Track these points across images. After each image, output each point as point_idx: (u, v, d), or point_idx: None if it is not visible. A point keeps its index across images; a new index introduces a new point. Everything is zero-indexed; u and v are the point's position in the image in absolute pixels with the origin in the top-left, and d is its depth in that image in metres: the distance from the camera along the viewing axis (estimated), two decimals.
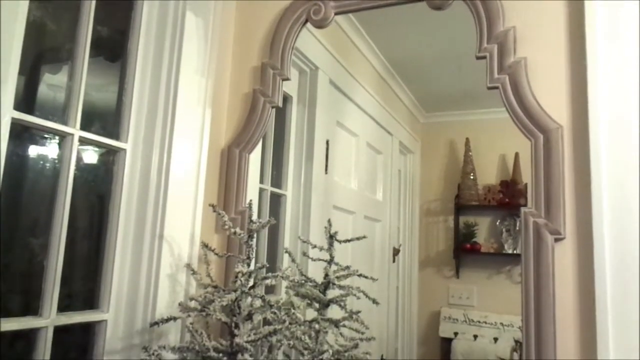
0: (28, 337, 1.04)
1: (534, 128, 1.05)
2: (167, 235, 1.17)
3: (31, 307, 1.05)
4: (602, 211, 0.97)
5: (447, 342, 1.87)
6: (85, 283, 1.19)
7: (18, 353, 1.06)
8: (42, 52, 1.17)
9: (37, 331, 1.03)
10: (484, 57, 1.12)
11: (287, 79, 1.35)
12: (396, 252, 1.96)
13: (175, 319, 1.04)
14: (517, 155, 1.86)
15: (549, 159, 1.03)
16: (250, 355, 1.01)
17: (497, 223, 1.90)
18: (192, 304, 1.10)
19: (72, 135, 1.09)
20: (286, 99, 1.55)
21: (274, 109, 1.34)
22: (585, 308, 0.98)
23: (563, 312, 1.00)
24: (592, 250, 0.97)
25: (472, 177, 1.93)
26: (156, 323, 1.03)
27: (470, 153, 1.94)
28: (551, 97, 1.07)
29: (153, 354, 1.00)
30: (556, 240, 1.01)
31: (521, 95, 1.07)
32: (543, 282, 1.00)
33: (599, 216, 0.97)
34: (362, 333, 1.29)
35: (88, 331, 1.15)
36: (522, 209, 1.04)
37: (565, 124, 1.05)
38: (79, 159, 1.15)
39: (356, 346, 1.20)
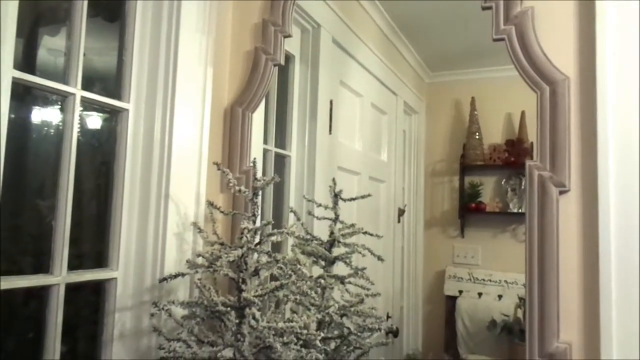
0: (41, 296, 1.06)
1: (540, 80, 1.03)
2: (172, 195, 1.18)
3: (42, 267, 1.07)
4: (608, 163, 0.96)
5: (451, 300, 1.89)
6: (93, 244, 1.21)
7: (32, 311, 1.10)
8: (39, 13, 1.16)
9: (49, 289, 1.06)
10: (490, 8, 1.09)
11: (289, 36, 1.33)
12: (401, 212, 1.97)
13: (183, 275, 1.06)
14: (523, 113, 1.84)
15: (555, 111, 1.01)
16: (258, 310, 1.03)
17: (502, 182, 1.89)
18: (200, 260, 1.11)
19: (74, 95, 1.09)
20: (288, 58, 1.53)
21: (276, 67, 1.32)
22: (589, 261, 0.99)
23: (566, 265, 1.00)
24: (596, 202, 0.97)
25: (477, 137, 1.92)
26: (165, 279, 1.05)
27: (475, 112, 1.92)
28: (558, 48, 1.04)
29: (163, 308, 1.02)
30: (561, 192, 1.01)
31: (527, 46, 1.04)
32: (547, 236, 1.00)
33: (604, 168, 0.96)
34: (368, 289, 1.31)
35: (99, 289, 1.17)
36: (527, 162, 1.04)
37: (572, 75, 1.03)
38: (83, 121, 1.15)
39: (362, 301, 1.22)
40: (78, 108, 1.10)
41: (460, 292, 1.87)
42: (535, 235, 1.01)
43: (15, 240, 1.08)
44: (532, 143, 1.72)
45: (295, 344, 1.03)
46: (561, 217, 1.01)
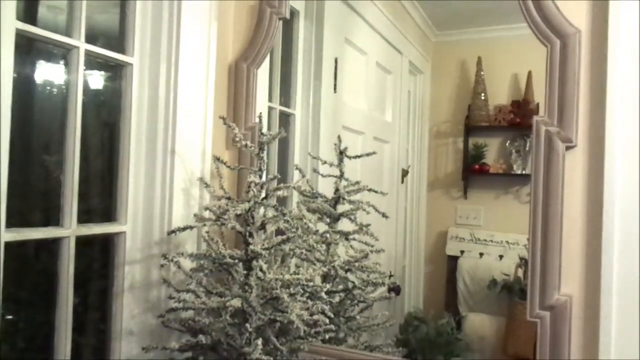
0: (52, 249, 1.08)
1: (550, 33, 1.01)
2: (178, 151, 1.19)
3: (52, 221, 1.09)
4: (616, 119, 0.96)
5: (453, 260, 1.92)
6: (102, 199, 1.22)
7: (44, 263, 1.12)
8: None
9: (60, 242, 1.08)
10: None
11: None
12: (405, 173, 1.98)
13: (191, 227, 1.08)
14: (530, 73, 1.81)
15: (565, 65, 1.00)
16: (265, 262, 1.05)
17: (507, 144, 1.89)
18: (207, 214, 1.13)
19: (78, 48, 1.08)
20: (293, 14, 1.50)
21: (281, 22, 1.30)
22: (592, 216, 1.00)
23: (570, 220, 1.01)
24: (602, 158, 0.97)
25: (483, 98, 1.90)
26: (173, 231, 1.07)
27: (482, 72, 1.89)
28: (570, 0, 1.02)
29: (172, 260, 1.04)
30: (567, 148, 1.01)
31: None
32: (552, 191, 1.01)
33: (612, 124, 0.96)
34: (372, 245, 1.33)
35: (108, 243, 1.19)
36: (535, 118, 1.03)
37: (583, 28, 1.01)
38: (88, 76, 1.14)
39: (366, 256, 1.24)
40: (82, 62, 1.09)
41: (462, 252, 1.89)
42: (540, 191, 1.01)
43: (25, 196, 1.09)
44: (538, 104, 1.70)
45: (302, 296, 1.05)
46: (567, 173, 1.01)
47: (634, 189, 0.96)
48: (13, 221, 0.97)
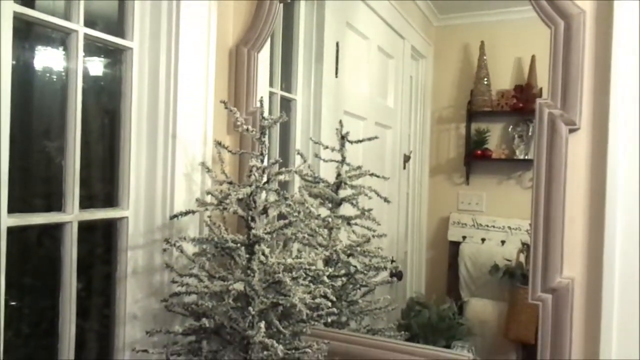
0: (55, 235, 1.08)
1: (554, 13, 1.00)
2: (180, 136, 1.18)
3: (55, 207, 1.09)
4: (620, 101, 0.95)
5: (455, 246, 1.92)
6: (104, 185, 1.22)
7: (47, 249, 1.12)
8: None
9: (62, 227, 1.08)
10: None
11: None
12: (407, 159, 1.97)
13: (193, 212, 1.08)
14: (533, 58, 1.80)
15: (569, 47, 0.99)
16: (267, 247, 1.05)
17: (510, 129, 1.88)
18: (209, 198, 1.13)
19: (77, 32, 1.07)
20: None
21: (281, 5, 1.28)
22: (595, 200, 0.99)
23: (572, 203, 1.01)
24: (606, 141, 0.96)
25: (485, 83, 1.89)
26: (176, 216, 1.07)
27: (484, 57, 1.88)
28: None
29: (174, 244, 1.04)
30: (571, 131, 1.00)
31: None
32: (555, 174, 1.00)
33: (616, 106, 0.95)
34: (374, 230, 1.33)
35: (111, 228, 1.20)
36: (538, 100, 1.02)
37: (588, 9, 1.00)
38: (87, 61, 1.13)
39: (368, 241, 1.25)
40: (82, 46, 1.08)
41: (464, 237, 1.89)
42: (543, 173, 1.01)
43: (27, 182, 1.09)
44: (541, 89, 1.69)
45: (304, 280, 1.06)
46: (570, 156, 1.00)
47: (636, 172, 0.95)
48: (15, 207, 0.97)
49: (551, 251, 0.99)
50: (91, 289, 1.21)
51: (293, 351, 1.03)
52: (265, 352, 0.99)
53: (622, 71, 0.95)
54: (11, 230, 0.95)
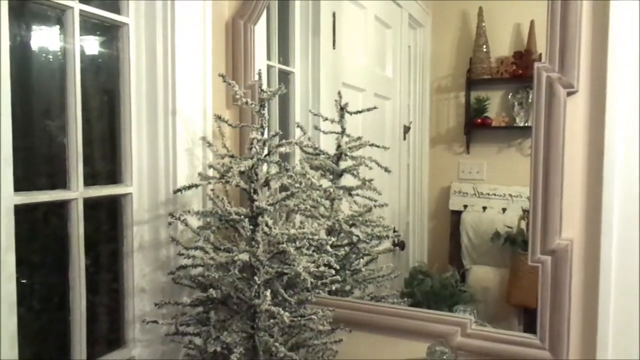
0: (61, 213, 1.10)
1: None
2: (179, 111, 1.19)
3: (59, 185, 1.10)
4: (618, 63, 0.95)
5: (456, 215, 1.93)
6: (106, 163, 1.23)
7: (53, 226, 1.14)
8: None
9: (68, 205, 1.10)
10: None
11: None
12: (406, 129, 1.97)
13: (196, 186, 1.09)
14: (532, 23, 1.78)
15: (567, 8, 0.98)
16: (270, 218, 1.07)
17: (509, 96, 1.87)
18: (211, 172, 1.14)
19: (72, 8, 1.06)
20: None
21: None
22: (593, 162, 1.00)
23: (571, 165, 1.01)
24: (604, 104, 0.96)
25: (484, 50, 1.87)
26: (179, 190, 1.08)
27: (483, 24, 1.86)
28: None
29: (179, 218, 1.06)
30: (569, 94, 1.00)
31: None
32: (553, 137, 1.01)
33: (613, 68, 0.95)
34: (375, 200, 1.35)
35: (115, 205, 1.21)
36: (536, 64, 1.02)
37: None
38: (84, 39, 1.13)
39: (370, 210, 1.26)
40: (78, 22, 1.08)
41: (465, 206, 1.91)
42: (542, 137, 1.01)
43: (31, 161, 1.10)
44: (540, 54, 1.68)
45: (308, 249, 1.08)
46: (568, 118, 1.01)
47: (634, 134, 0.96)
48: (22, 187, 0.98)
49: (550, 213, 1.01)
50: (99, 264, 1.24)
51: (299, 318, 1.05)
52: (271, 320, 1.02)
53: (619, 33, 0.94)
54: (19, 209, 0.96)
